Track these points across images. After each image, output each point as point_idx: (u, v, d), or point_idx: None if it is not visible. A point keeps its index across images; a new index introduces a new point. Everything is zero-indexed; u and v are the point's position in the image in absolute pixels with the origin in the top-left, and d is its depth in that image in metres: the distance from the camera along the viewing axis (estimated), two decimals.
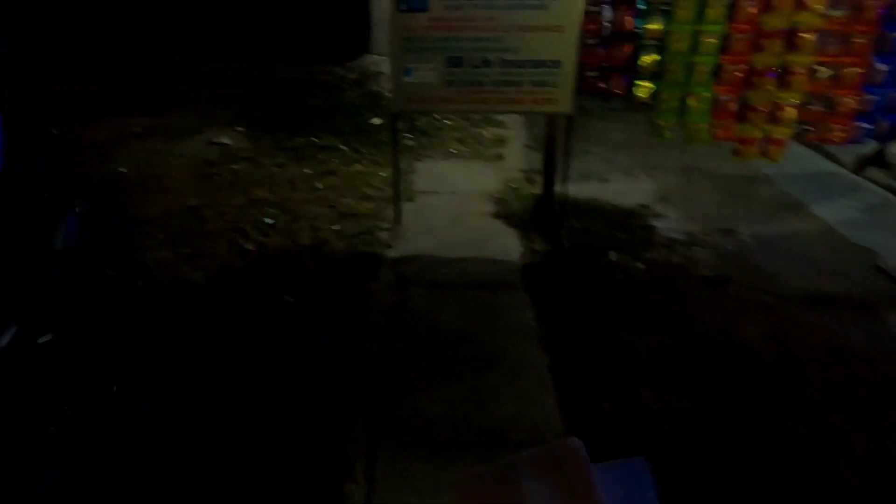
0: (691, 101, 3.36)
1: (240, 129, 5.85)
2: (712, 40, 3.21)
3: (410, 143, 5.31)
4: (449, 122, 5.69)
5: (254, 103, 6.48)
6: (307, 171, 4.80)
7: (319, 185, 4.48)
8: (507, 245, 3.62)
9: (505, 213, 4.02)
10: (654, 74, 3.39)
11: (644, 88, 3.42)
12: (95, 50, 8.09)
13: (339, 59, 6.84)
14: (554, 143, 3.82)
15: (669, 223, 3.95)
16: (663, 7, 3.26)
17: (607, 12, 3.37)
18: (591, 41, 3.38)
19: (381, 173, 4.70)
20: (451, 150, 5.22)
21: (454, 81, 3.41)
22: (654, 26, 3.29)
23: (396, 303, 3.05)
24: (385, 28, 6.30)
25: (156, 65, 7.99)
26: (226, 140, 5.56)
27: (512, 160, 5.00)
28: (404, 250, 3.57)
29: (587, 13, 3.27)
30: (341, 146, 5.25)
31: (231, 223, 3.92)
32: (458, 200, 4.23)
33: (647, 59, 3.36)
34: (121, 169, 4.96)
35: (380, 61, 6.35)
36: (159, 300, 2.52)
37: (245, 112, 6.28)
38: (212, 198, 4.32)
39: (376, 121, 5.60)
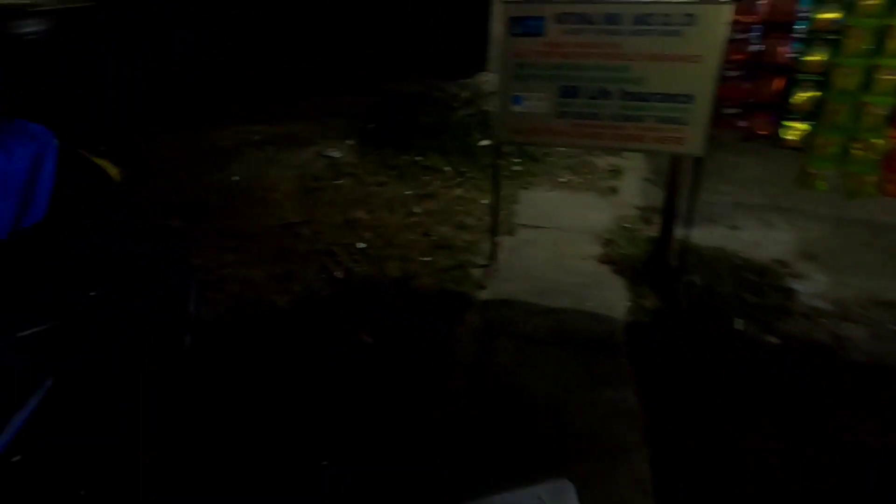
0: (856, 149, 2.78)
1: (350, 142, 5.87)
2: (891, 77, 2.62)
3: (517, 168, 5.02)
4: (561, 148, 5.32)
5: (368, 116, 6.50)
6: (407, 192, 4.66)
7: (417, 210, 4.31)
8: (613, 298, 3.22)
9: (614, 258, 3.60)
10: (810, 115, 2.85)
11: (795, 130, 2.89)
12: (231, 57, 8.60)
13: (455, 76, 6.69)
14: (677, 181, 3.37)
15: (813, 287, 3.34)
16: (829, 36, 2.73)
17: (756, 40, 2.88)
18: (733, 73, 2.91)
19: (482, 200, 4.45)
20: (560, 178, 4.86)
21: (567, 113, 3.08)
22: (816, 58, 2.76)
23: (480, 357, 2.77)
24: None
25: (281, 74, 8.33)
26: (335, 153, 5.59)
27: (627, 195, 4.55)
28: (497, 293, 3.28)
29: (731, 41, 2.80)
30: (445, 168, 5.07)
31: (324, 244, 3.85)
32: (562, 238, 3.87)
33: (803, 96, 2.83)
34: (234, 178, 5.11)
35: (495, 80, 6.09)
36: (212, 351, 2.41)
37: (358, 125, 6.32)
38: (311, 215, 4.30)
39: (484, 142, 5.36)
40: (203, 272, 3.51)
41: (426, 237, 3.91)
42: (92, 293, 1.26)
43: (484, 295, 3.26)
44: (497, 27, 6.20)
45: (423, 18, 8.98)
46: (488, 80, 6.14)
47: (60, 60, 8.08)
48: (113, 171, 1.45)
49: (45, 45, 9.37)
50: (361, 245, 3.81)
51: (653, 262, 3.48)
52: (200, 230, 4.07)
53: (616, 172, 4.90)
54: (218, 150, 5.80)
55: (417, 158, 5.25)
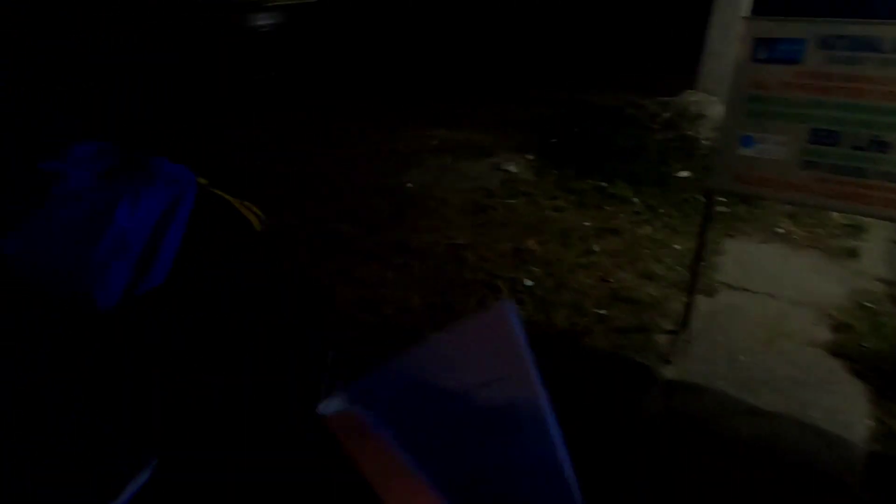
0: None
1: (529, 156, 5.51)
2: None
3: (722, 209, 4.25)
4: None
5: (552, 129, 6.10)
6: (587, 223, 4.16)
7: (596, 247, 3.80)
8: (849, 410, 2.45)
9: (850, 351, 2.79)
10: None
11: None
12: (422, 58, 8.71)
13: (655, 92, 5.99)
14: None
15: None
16: None
17: None
18: None
19: (675, 245, 3.81)
20: (777, 228, 4.01)
21: (817, 164, 2.38)
22: None
23: (656, 461, 2.23)
24: (719, 61, 5.24)
25: (466, 77, 8.23)
26: (511, 168, 5.27)
27: (871, 262, 3.59)
28: (687, 372, 2.68)
29: None
30: (633, 199, 4.47)
31: (488, 275, 3.52)
32: (777, 309, 3.12)
33: None
34: (408, 184, 5.02)
35: (705, 101, 5.31)
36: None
37: (540, 137, 5.94)
38: (478, 237, 4.00)
39: (684, 174, 4.66)
40: (364, 288, 3.40)
41: (604, 283, 3.40)
42: (204, 378, 1.05)
43: (670, 372, 2.68)
44: (715, 39, 5.39)
45: (622, 24, 8.32)
46: (697, 100, 5.36)
47: (285, 54, 8.74)
48: (254, 218, 1.25)
49: (274, 38, 10.24)
50: (528, 282, 3.41)
51: None
52: (369, 240, 3.99)
53: (855, 229, 3.92)
54: (397, 153, 5.79)
55: (602, 184, 4.71)
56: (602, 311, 3.13)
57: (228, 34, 8.21)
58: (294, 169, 5.30)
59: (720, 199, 4.36)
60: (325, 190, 4.78)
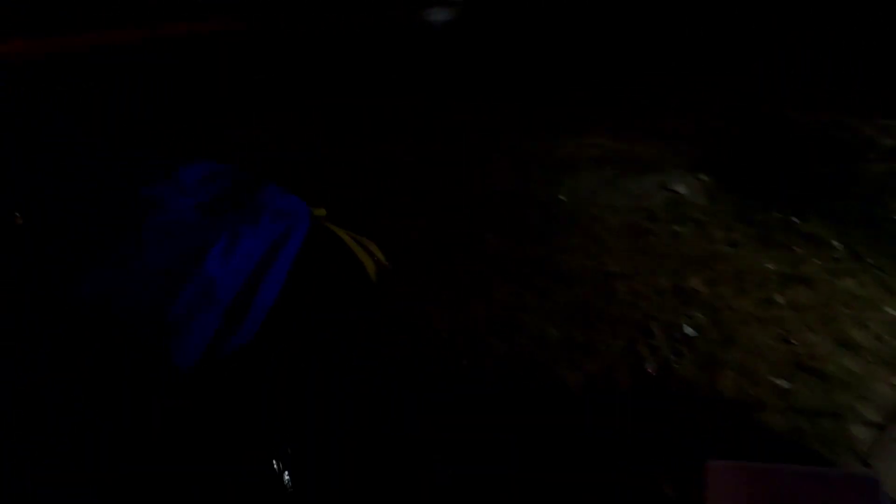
0: None
1: (702, 176, 4.89)
2: None
3: None
4: None
5: (733, 146, 5.39)
6: (769, 265, 3.53)
7: (779, 298, 3.19)
8: None
9: None
10: None
11: None
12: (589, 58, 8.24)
13: (874, 111, 5.00)
14: None
15: None
16: None
17: None
18: None
19: (887, 308, 3.07)
20: None
21: None
22: None
23: None
24: None
25: (632, 80, 7.61)
26: (680, 188, 4.70)
27: None
28: (891, 483, 2.08)
29: None
30: (833, 241, 3.72)
31: (642, 314, 3.10)
32: None
33: None
34: (561, 197, 4.68)
35: None
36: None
37: (717, 155, 5.27)
38: (634, 266, 3.57)
39: None
40: (499, 310, 3.16)
41: (786, 346, 2.81)
42: (285, 452, 0.88)
43: None
44: None
45: (832, 25, 7.16)
46: None
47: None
48: (370, 263, 1.05)
49: (446, 33, 10.37)
50: (690, 331, 2.93)
51: None
52: (510, 255, 3.74)
53: None
54: (553, 160, 5.45)
55: (793, 219, 4.00)
56: (781, 382, 2.58)
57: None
58: (437, 169, 5.21)
59: None
60: (469, 195, 4.61)
